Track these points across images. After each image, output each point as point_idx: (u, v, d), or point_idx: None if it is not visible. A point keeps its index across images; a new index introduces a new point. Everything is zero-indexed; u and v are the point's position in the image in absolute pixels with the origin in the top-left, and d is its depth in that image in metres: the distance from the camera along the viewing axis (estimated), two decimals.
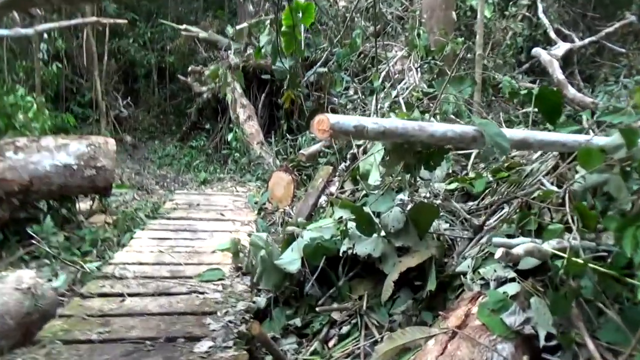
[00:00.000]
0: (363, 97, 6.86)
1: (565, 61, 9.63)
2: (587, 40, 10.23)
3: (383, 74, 6.62)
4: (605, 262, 2.06)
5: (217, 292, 3.23)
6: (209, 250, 4.19)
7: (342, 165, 4.62)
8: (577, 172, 2.57)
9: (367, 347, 2.50)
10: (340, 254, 2.94)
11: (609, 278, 1.98)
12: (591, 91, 8.70)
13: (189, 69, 11.41)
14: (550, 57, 8.43)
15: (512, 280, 2.23)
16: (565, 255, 1.96)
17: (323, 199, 4.87)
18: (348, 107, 6.86)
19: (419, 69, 6.77)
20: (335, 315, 2.85)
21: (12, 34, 7.76)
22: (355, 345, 2.59)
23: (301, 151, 6.78)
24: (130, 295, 3.13)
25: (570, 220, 2.21)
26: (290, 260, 2.94)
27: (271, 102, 10.06)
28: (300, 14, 3.96)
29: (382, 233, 2.79)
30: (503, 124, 5.16)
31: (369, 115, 5.62)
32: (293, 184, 6.21)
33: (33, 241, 4.01)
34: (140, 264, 3.77)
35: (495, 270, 2.29)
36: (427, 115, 3.01)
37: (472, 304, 2.19)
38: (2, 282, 3.18)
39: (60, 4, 8.35)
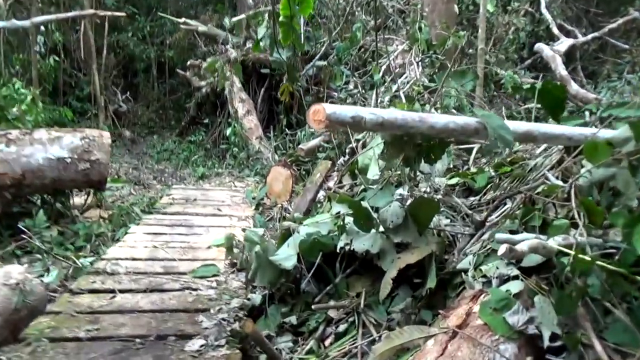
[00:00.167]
0: (363, 91, 6.76)
1: (568, 57, 9.52)
2: (590, 36, 10.12)
3: (384, 67, 6.52)
4: (613, 260, 1.97)
5: (211, 289, 3.14)
6: (204, 246, 4.11)
7: (341, 160, 4.53)
8: (582, 166, 2.48)
9: (365, 346, 2.42)
10: (338, 250, 2.85)
11: (617, 276, 1.89)
12: (594, 87, 8.60)
13: (188, 63, 11.31)
14: (553, 52, 8.34)
15: (515, 278, 2.14)
16: (572, 252, 1.87)
17: (321, 194, 4.78)
18: (348, 101, 6.76)
19: (420, 63, 6.68)
20: (332, 313, 2.76)
21: (9, 26, 7.67)
22: (353, 344, 2.50)
23: (300, 146, 6.69)
24: (121, 291, 3.05)
25: (576, 216, 2.12)
26: (286, 256, 2.85)
27: (270, 96, 9.95)
28: (298, 5, 3.88)
29: (381, 228, 2.70)
30: (505, 120, 5.06)
31: None
32: (292, 179, 6.12)
33: (24, 236, 3.90)
34: (133, 259, 3.69)
35: (497, 268, 2.20)
36: (427, 107, 2.91)
37: (474, 302, 2.10)
38: None
39: None
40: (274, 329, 2.84)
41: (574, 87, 7.10)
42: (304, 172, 6.38)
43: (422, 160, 2.50)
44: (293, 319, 2.85)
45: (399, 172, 2.94)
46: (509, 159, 3.32)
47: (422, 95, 5.19)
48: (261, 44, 5.75)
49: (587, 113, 4.77)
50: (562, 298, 1.93)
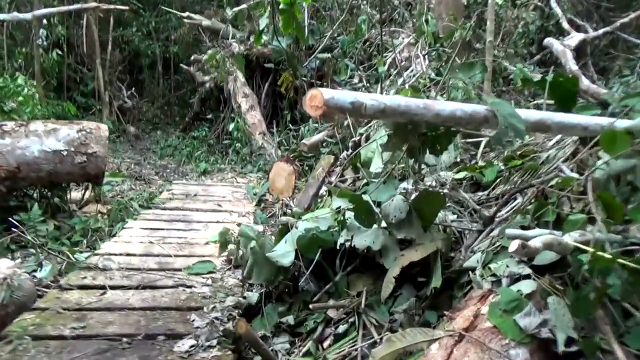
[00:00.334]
0: (368, 85, 6.60)
1: (578, 53, 9.28)
2: (601, 31, 9.88)
3: (389, 61, 6.36)
4: (635, 258, 1.81)
5: (206, 286, 3.01)
6: (202, 242, 3.98)
7: (344, 154, 4.38)
8: (599, 158, 2.32)
9: (365, 349, 2.28)
10: (338, 247, 2.71)
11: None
12: (605, 84, 8.38)
13: (191, 57, 11.20)
14: (563, 47, 8.13)
15: (527, 277, 1.99)
16: (590, 249, 1.71)
17: (324, 189, 4.64)
18: None
19: (426, 56, 6.50)
20: (331, 313, 2.62)
21: (10, 18, 7.59)
22: (352, 346, 2.36)
23: (303, 141, 6.55)
24: (112, 287, 2.92)
25: (593, 211, 1.96)
26: (283, 252, 2.71)
27: (275, 91, 9.81)
28: None
29: (383, 224, 2.55)
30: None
31: None
32: (294, 175, 5.99)
33: (15, 229, 3.79)
34: (128, 254, 3.57)
35: (507, 266, 2.04)
36: (432, 93, 2.75)
37: (482, 303, 1.95)
38: None
39: None
40: (271, 329, 2.70)
41: (584, 82, 6.88)
42: (307, 168, 6.24)
43: (427, 151, 2.35)
44: (290, 319, 2.71)
45: (403, 165, 2.78)
46: (519, 152, 3.16)
47: (428, 88, 5.02)
48: (264, 37, 5.59)
49: (600, 106, 4.58)
50: (578, 299, 1.77)
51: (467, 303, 2.01)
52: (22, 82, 5.31)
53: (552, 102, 2.73)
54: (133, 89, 13.17)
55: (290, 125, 8.35)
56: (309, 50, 7.29)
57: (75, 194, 5.46)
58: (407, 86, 5.52)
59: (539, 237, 1.83)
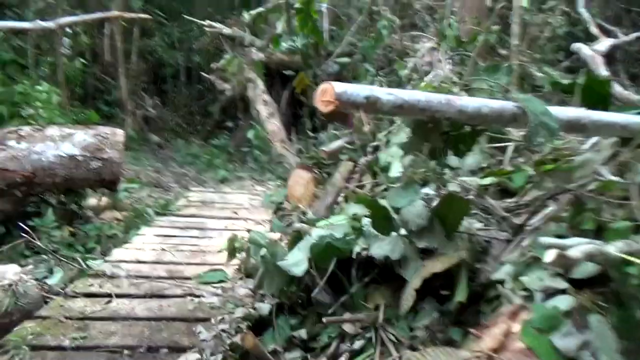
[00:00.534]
0: None
1: (608, 59, 8.94)
2: (633, 36, 9.51)
3: (410, 65, 6.18)
4: None
5: (215, 296, 2.87)
6: (215, 250, 3.85)
7: (363, 160, 4.20)
8: None
9: None
10: (354, 256, 2.53)
11: None
12: (637, 90, 8.02)
13: (212, 66, 11.23)
14: (592, 52, 7.81)
15: (563, 292, 1.78)
16: (639, 261, 1.50)
17: (342, 196, 4.46)
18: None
19: (449, 61, 6.30)
20: (347, 328, 2.43)
21: (33, 27, 7.67)
22: None
23: (322, 148, 6.40)
24: (118, 296, 2.81)
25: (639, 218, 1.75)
26: (296, 261, 2.54)
27: (294, 99, 9.72)
28: None
29: (403, 232, 2.36)
30: None
31: None
32: (313, 183, 5.84)
33: (25, 235, 3.73)
34: (138, 262, 3.46)
35: (541, 279, 1.84)
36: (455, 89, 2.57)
37: (513, 320, 1.75)
38: None
39: None
40: (282, 343, 2.52)
41: (616, 88, 6.59)
42: (326, 175, 6.09)
43: (450, 152, 2.16)
44: (303, 333, 2.53)
45: (424, 170, 2.60)
46: (550, 157, 2.93)
47: (450, 93, 4.82)
48: (283, 44, 5.49)
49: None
50: (625, 318, 1.56)
51: (496, 320, 1.81)
52: (41, 88, 5.32)
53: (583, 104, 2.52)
54: (157, 98, 13.32)
55: (310, 132, 8.22)
56: (329, 56, 7.18)
57: (93, 201, 5.43)
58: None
59: (578, 246, 1.62)
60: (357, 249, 2.50)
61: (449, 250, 2.25)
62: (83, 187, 4.86)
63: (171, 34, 13.73)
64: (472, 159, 2.36)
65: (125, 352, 2.17)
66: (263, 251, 2.61)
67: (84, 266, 3.73)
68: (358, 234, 2.53)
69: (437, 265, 2.16)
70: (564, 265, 1.59)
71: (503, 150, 3.73)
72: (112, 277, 3.12)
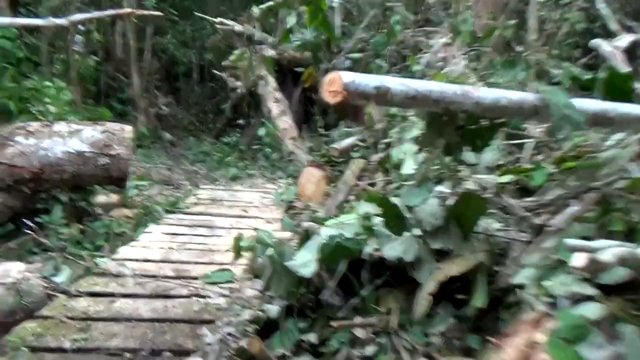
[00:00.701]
0: None
1: (629, 55, 8.68)
2: None
3: (424, 61, 6.03)
4: None
5: (222, 297, 2.78)
6: (223, 249, 3.76)
7: (375, 157, 4.08)
8: None
9: None
10: (365, 257, 2.42)
11: None
12: None
13: (223, 63, 11.18)
14: (612, 48, 7.58)
15: (590, 298, 1.65)
16: None
17: (353, 194, 4.35)
18: None
19: (464, 57, 6.14)
20: (358, 333, 2.32)
21: (46, 24, 7.65)
22: None
23: (333, 145, 6.30)
24: (122, 295, 2.74)
25: None
26: (304, 262, 2.43)
27: (306, 96, 9.63)
28: None
29: (417, 231, 2.25)
30: None
31: None
32: (325, 181, 5.74)
33: (29, 231, 3.68)
34: (145, 260, 3.39)
35: (566, 284, 1.71)
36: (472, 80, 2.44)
37: (536, 329, 1.62)
38: None
39: None
40: (291, 348, 2.42)
41: (637, 85, 6.37)
42: (337, 173, 5.99)
43: (466, 147, 2.04)
44: (313, 337, 2.43)
45: (438, 167, 2.48)
46: (571, 153, 2.79)
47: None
48: (293, 38, 5.37)
49: None
50: None
51: (518, 328, 1.68)
52: (50, 84, 5.29)
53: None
54: (170, 96, 13.35)
55: (322, 130, 8.12)
56: (340, 53, 7.06)
57: (102, 198, 5.39)
58: None
59: (609, 249, 1.50)
60: (368, 249, 2.39)
61: (465, 252, 2.13)
62: (91, 184, 4.81)
63: (184, 32, 13.75)
64: (490, 155, 2.23)
65: (127, 355, 2.09)
66: (270, 251, 2.51)
67: (91, 264, 3.68)
68: (369, 234, 2.42)
69: (453, 268, 2.05)
70: (592, 270, 1.47)
71: (520, 147, 3.59)
72: (117, 276, 3.05)
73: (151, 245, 3.79)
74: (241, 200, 5.95)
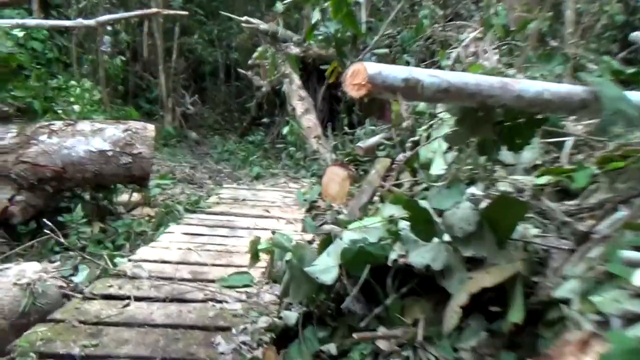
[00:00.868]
0: None
1: None
2: None
3: (453, 56, 5.79)
4: None
5: (239, 302, 2.65)
6: (242, 250, 3.64)
7: (401, 156, 3.90)
8: None
9: None
10: (390, 263, 2.25)
11: None
12: None
13: (249, 62, 11.14)
14: None
15: None
16: None
17: (378, 195, 4.18)
18: None
19: (496, 51, 5.87)
20: (382, 345, 2.16)
21: (74, 25, 7.74)
22: None
23: (358, 144, 6.12)
24: (137, 299, 2.64)
25: None
26: (325, 267, 2.29)
27: (331, 94, 9.48)
28: None
29: (446, 237, 2.07)
30: None
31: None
32: (349, 180, 5.58)
33: (48, 232, 3.65)
34: (162, 262, 3.30)
35: (619, 301, 1.51)
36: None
37: (583, 351, 1.43)
38: (2, 275, 2.82)
39: None
40: (309, 359, 2.29)
41: None
42: (362, 173, 5.82)
43: (504, 146, 1.85)
44: (332, 348, 2.28)
45: (470, 167, 2.29)
46: (617, 152, 2.55)
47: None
48: (317, 33, 5.22)
49: None
50: None
51: (561, 350, 1.49)
52: (75, 83, 5.29)
53: None
54: (196, 95, 13.44)
55: (347, 128, 7.96)
56: (365, 47, 6.87)
57: (124, 197, 5.37)
58: None
59: None
60: (393, 255, 2.23)
61: (500, 260, 1.94)
62: (113, 183, 4.78)
63: (211, 32, 13.80)
64: (529, 154, 2.03)
65: None
66: (288, 255, 2.37)
67: (110, 264, 3.62)
68: (394, 239, 2.25)
69: (487, 279, 1.86)
70: None
71: (558, 145, 3.35)
72: (133, 277, 2.96)
73: (170, 245, 3.70)
74: (263, 199, 5.84)
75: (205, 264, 3.28)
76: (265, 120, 10.89)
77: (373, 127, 6.70)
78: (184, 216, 4.84)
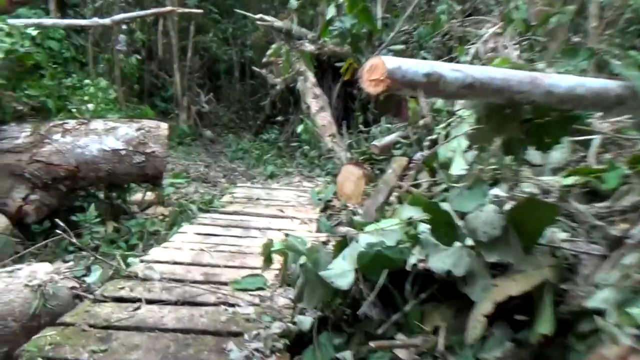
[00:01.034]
0: None
1: None
2: None
3: (472, 51, 5.64)
4: None
5: (252, 306, 2.59)
6: (256, 251, 3.56)
7: (419, 155, 3.78)
8: None
9: None
10: (408, 268, 2.15)
11: None
12: None
13: (263, 60, 11.09)
14: None
15: None
16: None
17: (395, 195, 4.07)
18: None
19: (516, 46, 5.70)
20: (401, 354, 2.06)
21: (90, 24, 7.77)
22: None
23: (373, 142, 6.02)
24: (148, 302, 2.59)
25: None
26: (341, 272, 2.20)
27: (346, 92, 9.38)
28: None
29: (469, 242, 1.96)
30: None
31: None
32: (364, 180, 5.47)
33: (60, 232, 3.62)
34: (174, 263, 3.25)
35: None
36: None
37: None
38: (14, 276, 2.78)
39: None
40: None
41: None
42: (378, 172, 5.71)
43: (531, 145, 1.74)
44: (348, 356, 2.19)
45: (494, 167, 2.17)
46: None
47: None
48: (332, 29, 5.12)
49: None
50: None
51: None
52: (89, 82, 5.29)
53: None
54: (211, 94, 13.45)
55: (362, 127, 7.85)
56: (380, 44, 6.75)
57: (138, 195, 5.35)
58: None
59: None
60: (412, 260, 2.12)
61: (527, 266, 1.83)
62: (126, 182, 4.76)
63: (225, 30, 13.79)
64: (558, 154, 1.91)
65: None
66: (303, 259, 2.28)
67: (122, 265, 3.58)
68: (413, 243, 2.15)
69: (513, 287, 1.75)
70: None
71: (582, 144, 3.20)
72: (144, 279, 2.91)
73: (183, 246, 3.65)
74: (277, 199, 5.78)
75: (217, 266, 3.22)
76: (279, 118, 10.83)
77: (389, 125, 6.59)
78: (197, 216, 4.79)
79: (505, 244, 1.86)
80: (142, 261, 3.29)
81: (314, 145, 8.20)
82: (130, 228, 4.48)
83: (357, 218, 3.33)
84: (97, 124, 4.45)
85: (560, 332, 1.71)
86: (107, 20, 8.17)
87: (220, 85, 14.33)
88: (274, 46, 9.15)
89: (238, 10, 12.10)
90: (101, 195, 5.02)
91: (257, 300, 2.66)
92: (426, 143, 3.71)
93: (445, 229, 1.97)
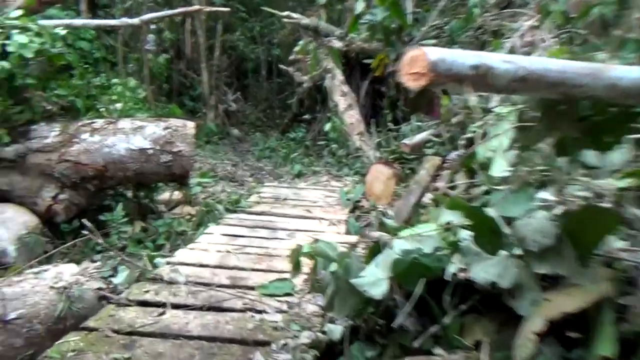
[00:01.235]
0: None
1: None
2: None
3: (507, 46, 5.40)
4: None
5: (279, 313, 2.48)
6: (284, 254, 3.47)
7: (454, 154, 3.60)
8: None
9: None
10: (447, 277, 2.00)
11: None
12: None
13: (290, 57, 11.02)
14: None
15: None
16: None
17: (428, 197, 3.91)
18: None
19: (554, 40, 5.43)
20: None
21: (118, 24, 7.83)
22: None
23: (404, 141, 5.84)
24: (173, 306, 2.51)
25: None
26: (374, 280, 2.06)
27: (374, 90, 9.19)
28: None
29: (516, 251, 1.79)
30: None
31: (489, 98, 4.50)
32: (394, 179, 5.33)
33: (84, 231, 3.60)
34: (200, 265, 3.18)
35: None
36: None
37: None
38: (40, 277, 2.76)
39: None
40: None
41: None
42: (408, 172, 5.54)
43: (588, 145, 1.56)
44: None
45: (542, 168, 2.00)
46: None
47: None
48: (361, 22, 4.96)
49: None
50: None
51: None
52: (118, 81, 5.30)
53: None
54: (238, 92, 13.49)
55: (391, 125, 7.66)
56: (411, 40, 6.55)
57: (165, 195, 5.33)
58: None
59: None
60: (452, 268, 1.97)
61: (583, 280, 1.65)
62: (154, 181, 4.74)
63: (252, 29, 13.80)
64: (618, 155, 1.72)
65: None
66: (333, 266, 2.16)
67: (149, 266, 3.54)
68: (453, 250, 1.99)
69: (568, 303, 1.58)
70: None
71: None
72: (170, 282, 2.84)
73: (209, 247, 3.58)
74: (305, 199, 5.67)
75: (244, 269, 3.13)
76: (306, 116, 10.73)
77: (419, 124, 6.39)
78: (224, 216, 4.72)
79: (557, 254, 1.69)
80: (168, 263, 3.22)
81: (342, 144, 8.06)
82: (158, 228, 4.45)
83: (387, 220, 3.17)
84: (125, 123, 4.43)
85: (622, 354, 1.54)
86: (136, 20, 8.22)
87: (247, 84, 14.36)
88: (301, 43, 9.04)
89: (265, 8, 12.06)
90: (129, 194, 5.03)
91: (284, 307, 2.55)
92: (461, 142, 3.52)
93: (490, 236, 1.81)
